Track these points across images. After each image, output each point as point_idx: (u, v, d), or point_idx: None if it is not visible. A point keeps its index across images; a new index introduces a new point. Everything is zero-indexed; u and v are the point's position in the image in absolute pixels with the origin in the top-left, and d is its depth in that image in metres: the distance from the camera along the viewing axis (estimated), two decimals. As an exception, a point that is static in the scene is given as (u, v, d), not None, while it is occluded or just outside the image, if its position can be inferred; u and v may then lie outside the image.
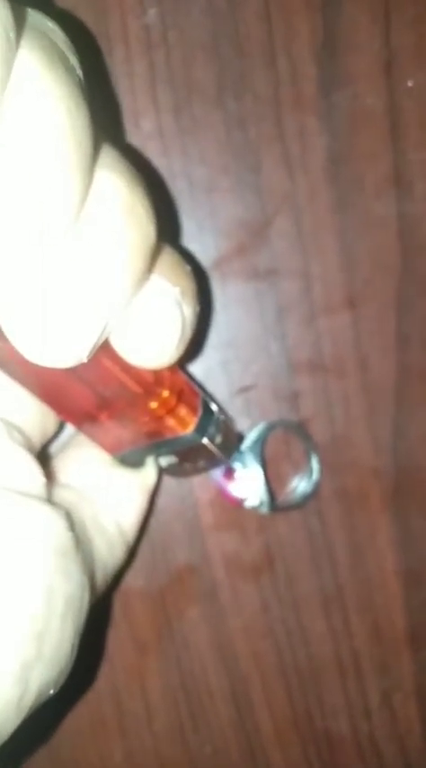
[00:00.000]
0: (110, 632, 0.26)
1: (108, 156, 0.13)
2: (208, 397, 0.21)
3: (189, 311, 0.16)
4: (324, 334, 0.26)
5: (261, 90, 0.24)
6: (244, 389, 0.26)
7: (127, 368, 0.17)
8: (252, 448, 0.25)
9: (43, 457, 0.18)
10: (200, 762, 0.27)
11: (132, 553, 0.23)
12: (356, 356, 0.26)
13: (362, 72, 0.25)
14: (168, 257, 0.15)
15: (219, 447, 0.21)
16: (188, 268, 0.16)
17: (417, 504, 0.27)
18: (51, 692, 0.16)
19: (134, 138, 0.24)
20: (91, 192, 0.12)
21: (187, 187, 0.24)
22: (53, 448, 0.23)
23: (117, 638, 0.26)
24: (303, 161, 0.25)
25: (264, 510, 0.25)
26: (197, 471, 0.23)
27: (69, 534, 0.17)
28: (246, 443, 0.25)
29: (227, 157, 0.24)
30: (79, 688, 0.26)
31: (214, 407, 0.21)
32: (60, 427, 0.22)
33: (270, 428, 0.25)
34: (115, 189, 0.13)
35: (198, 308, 0.16)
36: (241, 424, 0.26)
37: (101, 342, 0.13)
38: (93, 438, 0.21)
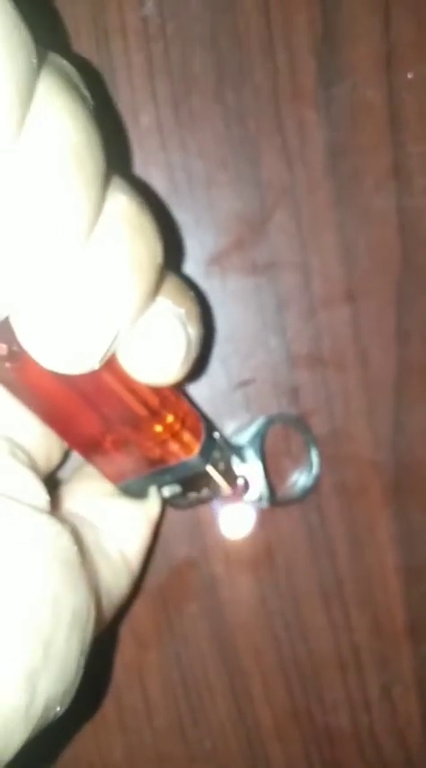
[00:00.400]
0: (110, 628, 0.26)
1: (117, 179, 0.14)
2: (211, 424, 0.21)
3: (194, 332, 0.16)
4: (324, 329, 0.26)
5: (260, 83, 0.24)
6: (244, 384, 0.25)
7: (133, 390, 0.18)
8: (251, 442, 0.24)
9: (48, 486, 0.18)
10: (200, 757, 0.27)
11: (137, 585, 0.23)
12: (356, 350, 0.26)
13: (362, 64, 0.25)
14: (173, 281, 0.16)
15: (222, 474, 0.21)
16: (192, 293, 0.17)
17: (417, 498, 0.27)
18: (58, 709, 0.16)
19: (132, 132, 0.24)
20: (104, 210, 0.13)
21: (185, 181, 0.24)
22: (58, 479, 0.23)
23: (116, 634, 0.26)
24: (302, 154, 0.25)
25: (264, 504, 0.25)
26: (200, 501, 0.23)
27: (75, 548, 0.17)
28: (246, 438, 0.25)
29: (226, 151, 0.24)
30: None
31: (217, 435, 0.21)
32: (65, 457, 0.22)
33: (269, 422, 0.25)
34: (125, 208, 0.14)
35: (202, 331, 0.17)
36: (240, 418, 0.25)
37: (111, 351, 0.14)
38: (97, 465, 0.21)
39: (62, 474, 0.23)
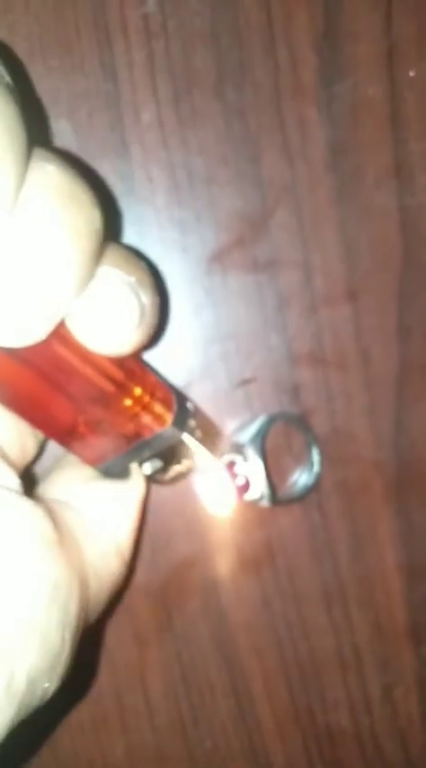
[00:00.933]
0: (111, 627, 0.26)
1: (44, 152, 0.14)
2: (182, 394, 0.21)
3: (147, 299, 0.16)
4: (325, 327, 0.25)
5: (262, 80, 0.24)
6: (245, 382, 0.25)
7: (97, 365, 0.18)
8: (252, 441, 0.24)
9: (26, 480, 0.18)
10: (201, 756, 0.27)
11: (132, 568, 0.23)
12: (357, 348, 0.26)
13: (363, 61, 0.25)
14: (121, 251, 0.16)
15: (201, 442, 0.21)
16: (143, 263, 0.17)
17: (418, 497, 0.27)
18: (47, 685, 0.16)
19: (134, 129, 0.24)
20: (29, 179, 0.13)
21: (186, 178, 0.24)
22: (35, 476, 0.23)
23: (117, 633, 0.26)
24: (303, 151, 0.25)
25: (265, 503, 0.25)
26: (184, 475, 0.23)
27: (51, 525, 0.17)
28: (247, 436, 0.25)
29: (227, 148, 0.24)
30: (80, 689, 0.26)
31: (189, 404, 0.21)
32: (42, 449, 0.22)
33: (270, 421, 0.25)
34: (54, 178, 0.14)
35: (157, 299, 0.17)
36: (242, 416, 0.25)
37: (56, 321, 0.15)
38: (75, 451, 0.21)
39: (41, 467, 0.23)
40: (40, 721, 0.17)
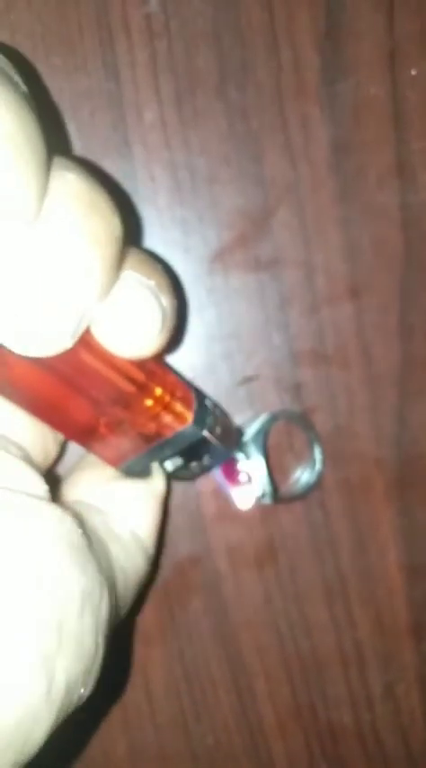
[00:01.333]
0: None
1: (64, 161, 0.14)
2: (201, 392, 0.21)
3: (167, 302, 0.17)
4: (327, 325, 0.26)
5: (264, 79, 0.24)
6: (247, 380, 0.26)
7: (117, 367, 0.18)
8: (254, 439, 0.25)
9: (48, 481, 0.18)
10: (203, 753, 0.27)
11: (156, 562, 0.23)
12: (359, 346, 0.26)
13: (365, 61, 0.25)
14: (139, 255, 0.17)
15: (220, 439, 0.21)
16: (160, 266, 0.17)
17: (420, 494, 0.27)
18: (82, 690, 0.16)
19: (136, 129, 0.24)
20: (51, 189, 0.13)
21: (189, 178, 0.24)
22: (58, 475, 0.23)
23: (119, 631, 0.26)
24: (305, 151, 0.25)
25: (267, 501, 0.25)
26: (203, 470, 0.23)
27: (79, 531, 0.17)
28: (249, 434, 0.25)
29: (229, 148, 0.24)
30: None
31: (208, 401, 0.21)
32: (63, 451, 0.22)
33: (272, 419, 0.25)
34: (74, 186, 0.14)
35: (175, 302, 0.17)
36: (244, 414, 0.26)
37: (82, 327, 0.15)
38: (96, 452, 0.21)
39: (63, 468, 0.23)
40: (76, 725, 0.17)
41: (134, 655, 0.26)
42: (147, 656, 0.26)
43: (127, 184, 0.24)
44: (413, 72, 0.25)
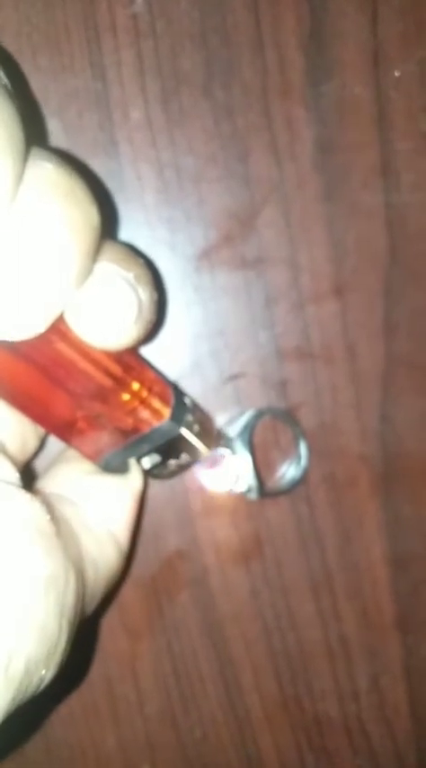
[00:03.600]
0: (102, 619, 0.26)
1: (42, 151, 0.15)
2: (180, 389, 0.21)
3: (145, 295, 0.17)
4: (312, 323, 0.26)
5: (249, 80, 0.25)
6: (234, 377, 0.26)
7: (95, 360, 0.18)
8: (241, 435, 0.25)
9: (26, 474, 0.19)
10: (191, 745, 0.27)
11: (129, 559, 0.23)
12: (344, 344, 0.26)
13: (349, 62, 0.25)
14: (120, 248, 0.17)
15: (198, 437, 0.21)
16: (141, 260, 0.17)
17: (404, 489, 0.27)
18: (43, 672, 0.17)
19: (123, 128, 0.24)
20: (27, 176, 0.14)
21: (175, 177, 0.25)
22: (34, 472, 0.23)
23: (108, 625, 0.26)
24: (291, 150, 0.25)
25: (253, 496, 0.25)
26: (182, 469, 0.23)
27: (47, 517, 0.17)
28: (235, 430, 0.25)
29: (215, 147, 0.25)
30: (73, 679, 0.26)
31: (187, 399, 0.21)
32: (42, 444, 0.22)
33: (258, 415, 0.25)
34: (52, 174, 0.14)
35: (155, 294, 0.18)
36: (230, 411, 0.26)
37: (55, 314, 0.15)
38: (74, 445, 0.21)
39: (43, 461, 0.23)
40: (34, 709, 0.17)
41: (122, 648, 0.27)
42: (136, 649, 0.27)
43: (114, 183, 0.24)
44: (397, 73, 0.25)
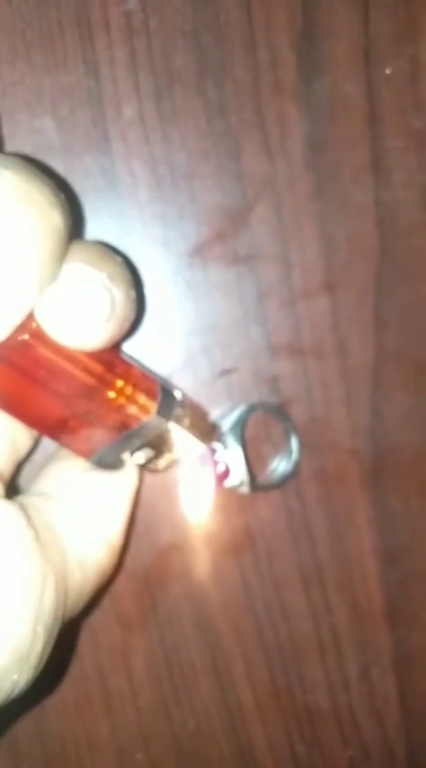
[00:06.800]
0: (95, 611, 0.26)
1: (2, 159, 0.15)
2: (168, 384, 0.21)
3: (120, 294, 0.17)
4: (304, 319, 0.26)
5: (242, 77, 0.25)
6: (226, 373, 0.26)
7: (75, 360, 0.18)
8: (232, 430, 0.25)
9: (16, 475, 0.19)
10: (184, 736, 0.28)
11: (122, 556, 0.23)
12: (334, 340, 0.26)
13: (341, 59, 0.25)
14: (90, 248, 0.17)
15: (190, 430, 0.22)
16: (118, 258, 0.17)
17: (394, 483, 0.27)
18: (15, 677, 0.17)
19: (116, 125, 0.24)
20: None
21: (168, 173, 0.25)
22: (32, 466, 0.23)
23: (101, 617, 0.26)
24: (282, 148, 0.25)
25: (245, 490, 0.25)
26: (177, 463, 0.24)
27: (23, 522, 0.18)
28: (227, 425, 0.25)
29: (208, 144, 0.25)
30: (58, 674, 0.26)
31: (177, 393, 0.21)
32: (37, 443, 0.23)
33: (250, 410, 0.26)
34: (8, 179, 0.14)
35: (131, 293, 0.18)
36: (222, 406, 0.26)
37: (17, 320, 0.15)
38: (65, 444, 0.21)
39: (40, 458, 0.23)
40: (13, 706, 0.17)
41: (115, 640, 0.27)
42: (129, 641, 0.27)
43: (107, 180, 0.24)
44: (388, 71, 0.25)
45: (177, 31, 0.24)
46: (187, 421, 0.21)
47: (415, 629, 0.28)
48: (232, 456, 0.25)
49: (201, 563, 0.27)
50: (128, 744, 0.27)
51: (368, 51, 0.25)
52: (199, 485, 0.25)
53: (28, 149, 0.24)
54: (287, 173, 0.25)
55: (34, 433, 0.22)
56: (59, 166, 0.24)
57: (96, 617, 0.26)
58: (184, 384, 0.26)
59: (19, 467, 0.22)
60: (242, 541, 0.27)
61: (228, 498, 0.26)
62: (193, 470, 0.25)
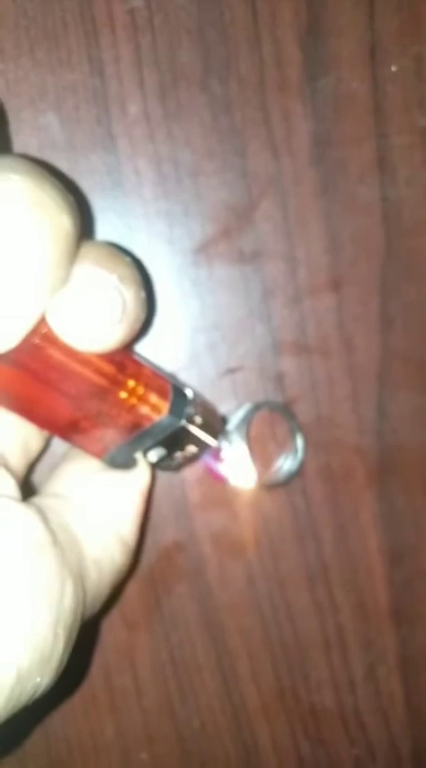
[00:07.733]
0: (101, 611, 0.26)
1: (9, 162, 0.15)
2: (180, 383, 0.21)
3: (130, 295, 0.17)
4: (309, 316, 0.26)
5: (247, 74, 0.25)
6: (231, 371, 0.26)
7: (86, 362, 0.18)
8: (238, 428, 0.25)
9: (29, 476, 0.19)
10: (189, 735, 0.28)
11: (137, 554, 0.23)
12: (340, 338, 0.26)
13: (346, 56, 0.25)
14: (100, 249, 0.17)
15: (202, 428, 0.22)
16: (127, 259, 0.17)
17: (400, 481, 0.27)
18: (38, 679, 0.17)
19: (121, 122, 0.24)
20: None
21: (173, 171, 0.25)
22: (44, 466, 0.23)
23: (107, 616, 0.26)
24: (288, 145, 0.25)
25: (250, 488, 0.25)
26: (189, 461, 0.24)
27: (42, 526, 0.18)
28: (233, 423, 0.25)
29: (213, 141, 0.25)
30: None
31: (188, 392, 0.21)
32: (48, 443, 0.23)
33: (255, 408, 0.25)
34: (16, 184, 0.14)
35: (142, 294, 0.17)
36: (228, 405, 0.26)
37: (29, 324, 0.15)
38: (77, 444, 0.21)
39: (52, 459, 0.23)
40: (34, 709, 0.17)
41: (120, 639, 0.27)
42: (134, 640, 0.27)
43: (112, 177, 0.24)
44: (394, 68, 0.25)
45: (182, 28, 0.24)
46: (199, 419, 0.21)
47: (421, 628, 0.28)
48: (237, 454, 0.25)
49: (206, 562, 0.27)
50: (132, 743, 0.27)
51: (373, 48, 0.25)
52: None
53: (32, 146, 0.24)
54: (292, 170, 0.25)
55: (46, 433, 0.22)
56: (64, 164, 0.24)
57: (101, 616, 0.26)
58: (189, 382, 0.25)
59: (31, 467, 0.22)
60: (247, 540, 0.27)
61: (233, 497, 0.26)
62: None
